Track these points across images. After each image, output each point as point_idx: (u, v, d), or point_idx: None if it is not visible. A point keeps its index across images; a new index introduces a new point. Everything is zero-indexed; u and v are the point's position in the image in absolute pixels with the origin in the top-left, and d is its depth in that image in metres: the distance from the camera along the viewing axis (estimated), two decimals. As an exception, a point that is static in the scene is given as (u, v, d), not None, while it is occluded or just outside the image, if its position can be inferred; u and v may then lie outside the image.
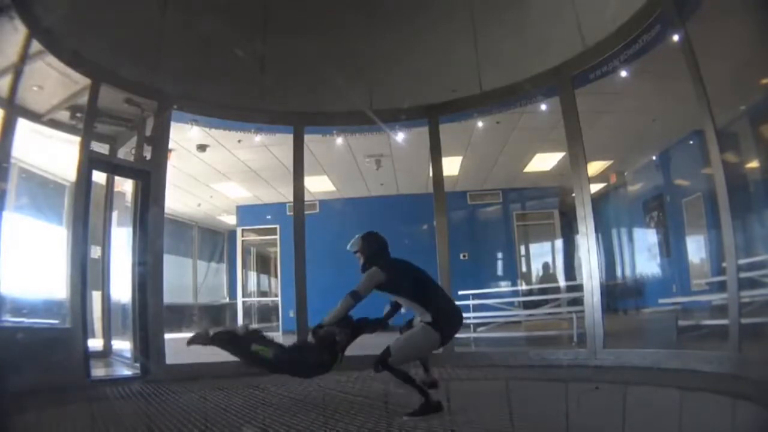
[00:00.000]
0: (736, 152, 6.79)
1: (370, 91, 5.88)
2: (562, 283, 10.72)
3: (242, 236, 12.76)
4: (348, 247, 3.67)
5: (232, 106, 6.16)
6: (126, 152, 6.20)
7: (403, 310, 3.62)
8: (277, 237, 12.15)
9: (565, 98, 5.36)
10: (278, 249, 12.21)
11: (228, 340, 3.48)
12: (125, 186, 6.56)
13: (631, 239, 11.56)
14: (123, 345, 6.07)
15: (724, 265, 4.48)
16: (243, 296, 12.84)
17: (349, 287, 3.65)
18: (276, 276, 13.06)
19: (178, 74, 5.34)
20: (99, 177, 5.79)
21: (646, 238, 10.51)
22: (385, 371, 3.26)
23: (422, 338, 3.36)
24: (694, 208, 8.36)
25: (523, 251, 12.02)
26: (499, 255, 11.86)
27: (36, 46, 4.59)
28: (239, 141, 7.86)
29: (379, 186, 10.75)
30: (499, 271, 11.69)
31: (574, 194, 5.32)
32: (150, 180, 5.41)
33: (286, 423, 3.14)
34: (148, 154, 5.56)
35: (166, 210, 5.66)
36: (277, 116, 6.30)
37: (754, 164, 6.91)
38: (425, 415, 3.13)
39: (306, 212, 6.12)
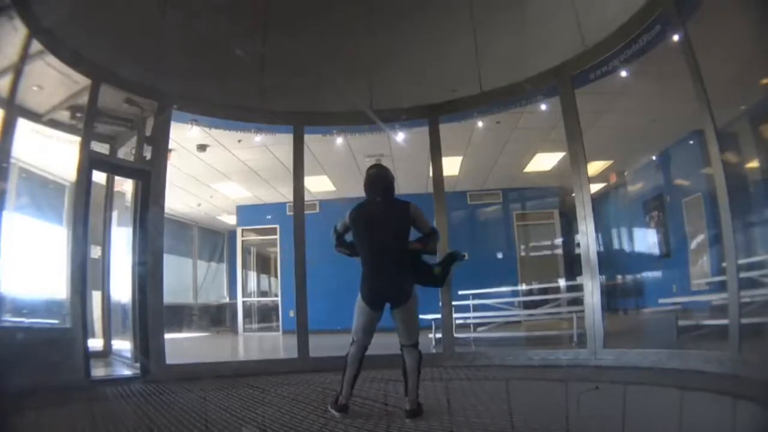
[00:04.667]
0: (736, 152, 6.78)
1: (370, 91, 5.87)
2: (561, 283, 10.73)
3: (242, 236, 12.77)
4: None
5: (232, 106, 6.15)
6: (126, 152, 6.20)
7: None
8: (277, 237, 12.16)
9: (565, 98, 5.36)
10: (278, 249, 12.22)
11: None
12: (125, 186, 6.55)
13: (631, 239, 11.55)
14: (123, 345, 6.07)
15: (724, 265, 4.48)
16: (243, 296, 12.85)
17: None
18: (276, 276, 13.07)
19: (178, 74, 5.33)
20: (99, 177, 5.80)
21: (646, 238, 10.50)
22: None
23: (357, 303, 3.45)
24: (693, 208, 8.36)
25: (523, 251, 12.02)
26: (499, 255, 11.86)
27: (36, 46, 4.58)
28: (239, 141, 7.86)
29: (379, 186, 10.73)
30: (499, 271, 11.69)
31: (574, 194, 5.32)
32: (150, 180, 5.40)
33: (286, 423, 3.15)
34: (148, 154, 5.55)
35: (166, 210, 5.65)
36: (277, 116, 6.28)
37: (754, 164, 6.91)
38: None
39: (306, 212, 6.11)
